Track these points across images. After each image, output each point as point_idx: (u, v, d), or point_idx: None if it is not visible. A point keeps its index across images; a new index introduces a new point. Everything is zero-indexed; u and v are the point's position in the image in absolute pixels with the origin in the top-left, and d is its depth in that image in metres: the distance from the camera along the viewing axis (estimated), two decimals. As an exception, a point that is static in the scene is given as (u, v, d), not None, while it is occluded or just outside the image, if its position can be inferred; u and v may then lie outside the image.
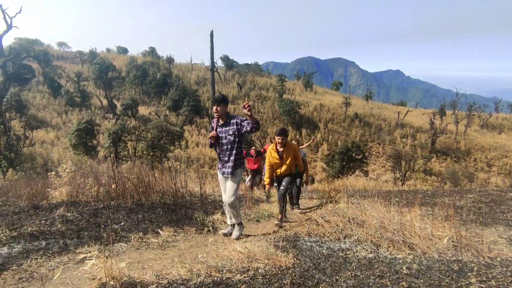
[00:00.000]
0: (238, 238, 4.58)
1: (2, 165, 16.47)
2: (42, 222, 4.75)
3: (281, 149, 5.92)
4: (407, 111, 43.48)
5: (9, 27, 23.78)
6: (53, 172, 7.32)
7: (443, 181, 25.52)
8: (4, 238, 4.08)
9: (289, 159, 5.90)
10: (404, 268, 3.06)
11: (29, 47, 40.27)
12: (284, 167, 5.95)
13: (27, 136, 20.40)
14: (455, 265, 3.12)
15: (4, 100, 24.59)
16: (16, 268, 3.28)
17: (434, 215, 5.27)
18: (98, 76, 39.79)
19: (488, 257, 3.33)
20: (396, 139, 36.24)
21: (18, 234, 4.22)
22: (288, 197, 6.54)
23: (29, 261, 3.46)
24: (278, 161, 5.95)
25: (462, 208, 6.64)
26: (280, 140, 5.89)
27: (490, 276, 2.87)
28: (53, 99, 36.80)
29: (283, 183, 6.00)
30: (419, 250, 3.49)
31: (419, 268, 3.05)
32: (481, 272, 2.95)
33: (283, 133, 5.90)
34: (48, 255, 3.67)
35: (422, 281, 2.80)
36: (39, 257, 3.58)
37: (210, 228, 5.00)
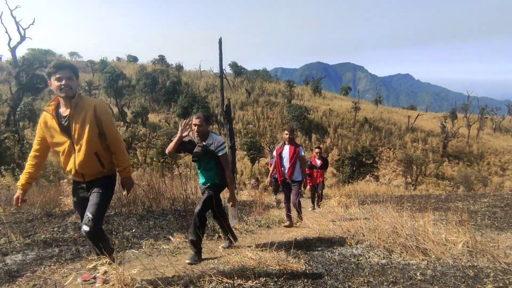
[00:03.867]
0: None
1: (16, 173, 16.75)
2: (55, 229, 4.81)
3: (66, 112, 2.76)
4: (418, 115, 43.07)
5: (23, 38, 24.30)
6: (65, 180, 7.42)
7: (456, 185, 25.12)
8: (18, 245, 4.14)
9: (86, 136, 2.72)
10: (418, 274, 3.01)
11: (42, 57, 41.00)
12: (80, 155, 2.75)
13: (40, 144, 20.72)
14: (471, 271, 3.06)
15: (18, 109, 25.11)
16: (30, 275, 3.32)
17: (447, 220, 5.18)
18: (109, 84, 40.35)
19: (505, 262, 3.25)
20: (406, 144, 35.87)
21: (32, 241, 4.28)
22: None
23: (42, 268, 3.50)
24: (63, 139, 2.79)
25: (477, 213, 6.52)
26: (62, 85, 2.68)
27: (507, 282, 2.80)
28: (65, 108, 37.39)
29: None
30: (433, 256, 3.44)
31: (434, 274, 3.00)
32: (497, 278, 2.88)
33: (63, 68, 2.72)
34: (61, 261, 3.71)
35: (437, 287, 2.75)
36: (53, 264, 3.62)
37: (221, 234, 5.00)
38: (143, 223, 5.27)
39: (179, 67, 55.51)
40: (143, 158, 22.20)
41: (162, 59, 58.82)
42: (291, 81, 51.89)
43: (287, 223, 6.02)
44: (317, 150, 9.06)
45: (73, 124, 2.73)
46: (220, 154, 3.94)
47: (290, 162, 5.97)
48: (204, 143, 3.92)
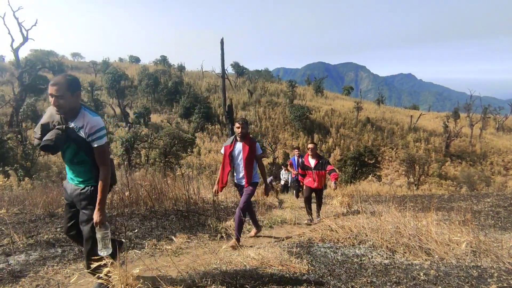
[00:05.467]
0: None
1: (19, 174, 16.83)
2: (58, 229, 4.82)
3: None
4: (420, 115, 42.92)
5: (25, 39, 24.40)
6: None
7: (458, 185, 25.03)
8: (21, 245, 4.15)
9: None
10: (421, 274, 3.00)
11: (44, 58, 41.28)
12: None
13: (42, 145, 20.78)
14: (474, 271, 3.04)
15: (21, 110, 25.20)
16: (33, 275, 3.32)
17: (451, 220, 5.16)
18: (111, 85, 40.50)
19: (509, 262, 3.23)
20: (409, 143, 35.75)
21: (35, 242, 4.29)
22: None
23: (45, 268, 3.51)
24: None
25: (480, 213, 6.49)
26: None
27: (511, 282, 2.79)
28: (67, 109, 37.50)
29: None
30: (437, 256, 3.42)
31: (437, 274, 2.98)
32: (501, 278, 2.87)
33: None
34: (64, 262, 3.72)
35: (440, 287, 2.73)
36: (55, 264, 3.63)
37: (223, 235, 5.00)
38: (145, 223, 5.27)
39: (181, 68, 55.58)
40: (146, 158, 22.25)
41: (164, 59, 58.91)
42: (293, 81, 51.88)
43: (232, 241, 4.41)
44: (310, 146, 6.87)
45: None
46: (95, 145, 2.57)
47: (245, 164, 4.62)
48: (72, 125, 2.56)
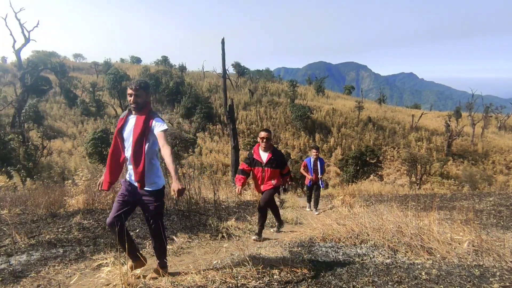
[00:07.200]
0: None
1: (21, 175, 16.88)
2: (60, 230, 4.82)
3: None
4: (422, 114, 42.82)
5: (27, 40, 24.47)
6: (70, 181, 7.45)
7: (460, 184, 24.97)
8: (23, 246, 4.16)
9: None
10: (423, 273, 2.99)
11: (46, 59, 41.39)
12: None
13: (44, 146, 20.88)
14: (476, 270, 3.03)
15: (23, 111, 25.28)
16: (34, 275, 3.33)
17: (453, 219, 5.15)
18: (113, 85, 40.55)
19: (511, 261, 3.22)
20: (411, 143, 35.68)
21: (37, 242, 4.30)
22: None
23: (47, 268, 3.51)
24: None
25: (482, 212, 6.47)
26: None
27: (514, 281, 2.77)
28: (69, 109, 37.62)
29: None
30: (438, 255, 3.41)
31: (439, 274, 2.97)
32: (504, 277, 2.85)
33: None
34: (65, 262, 3.72)
35: (442, 286, 2.72)
36: (57, 264, 3.63)
37: (224, 234, 4.99)
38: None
39: (182, 68, 55.66)
40: (147, 158, 22.30)
41: (165, 60, 59.02)
42: (294, 81, 51.92)
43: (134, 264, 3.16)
44: (263, 134, 5.03)
45: None
46: None
47: (136, 150, 2.90)
48: None
